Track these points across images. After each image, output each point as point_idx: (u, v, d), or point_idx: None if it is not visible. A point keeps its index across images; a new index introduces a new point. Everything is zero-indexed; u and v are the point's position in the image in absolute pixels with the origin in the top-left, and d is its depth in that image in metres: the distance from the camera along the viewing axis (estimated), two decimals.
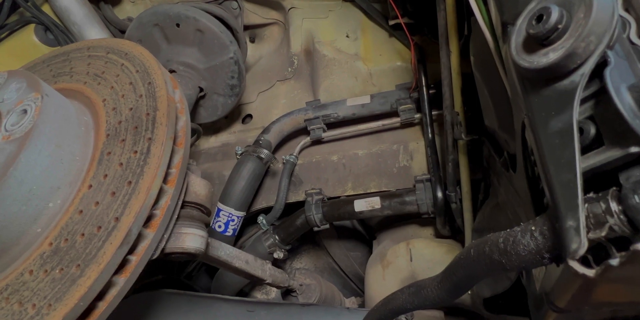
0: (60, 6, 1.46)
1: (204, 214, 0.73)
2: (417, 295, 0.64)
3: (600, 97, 0.38)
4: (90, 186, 0.67)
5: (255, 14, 1.66)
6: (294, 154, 1.40)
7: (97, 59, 0.87)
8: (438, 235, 1.29)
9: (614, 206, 0.34)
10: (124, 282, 0.60)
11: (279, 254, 1.33)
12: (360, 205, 1.26)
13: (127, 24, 1.55)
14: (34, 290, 0.59)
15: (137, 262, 0.61)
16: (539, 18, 0.42)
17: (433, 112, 1.28)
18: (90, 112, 0.77)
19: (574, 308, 0.45)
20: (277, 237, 1.34)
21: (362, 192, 1.35)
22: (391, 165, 1.34)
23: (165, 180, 0.66)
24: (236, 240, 1.43)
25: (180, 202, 0.69)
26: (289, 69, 1.65)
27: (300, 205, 1.38)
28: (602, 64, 0.38)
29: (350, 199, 1.28)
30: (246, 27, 1.70)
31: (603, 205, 0.35)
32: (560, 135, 0.39)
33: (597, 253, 0.36)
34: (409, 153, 1.33)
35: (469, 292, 1.08)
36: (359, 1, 1.45)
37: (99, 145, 0.71)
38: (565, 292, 0.42)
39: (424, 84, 1.27)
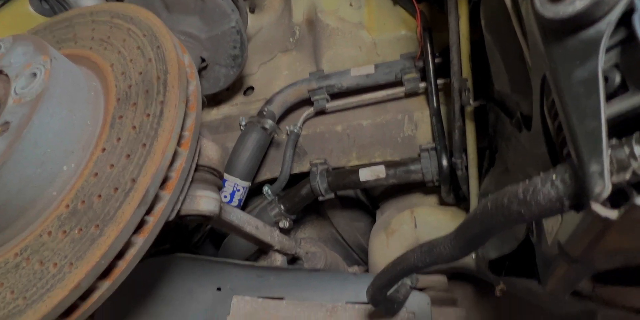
0: None
1: (216, 178, 0.74)
2: (429, 253, 0.66)
3: (626, 44, 0.38)
4: (104, 149, 0.67)
5: None
6: (298, 124, 1.40)
7: (102, 24, 0.85)
8: (442, 203, 1.31)
9: (637, 150, 0.35)
10: (142, 241, 0.61)
11: (284, 223, 1.35)
12: (365, 175, 1.27)
13: None
14: (54, 250, 0.60)
15: (155, 222, 0.62)
16: None
17: (438, 81, 1.27)
18: (98, 78, 0.76)
19: (589, 257, 0.47)
20: (282, 206, 1.35)
21: (366, 162, 1.36)
22: (396, 135, 1.35)
23: (179, 143, 0.66)
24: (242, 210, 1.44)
25: (194, 165, 0.69)
26: (291, 40, 1.62)
27: (304, 176, 1.39)
28: (629, 10, 0.38)
29: (355, 169, 1.29)
30: None
31: (627, 150, 0.35)
32: (585, 84, 0.39)
33: (615, 199, 0.37)
34: (413, 122, 1.33)
35: (473, 255, 1.11)
36: None
37: (110, 109, 0.71)
38: (582, 239, 0.43)
39: (429, 52, 1.26)
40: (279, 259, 1.36)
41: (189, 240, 1.42)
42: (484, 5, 0.85)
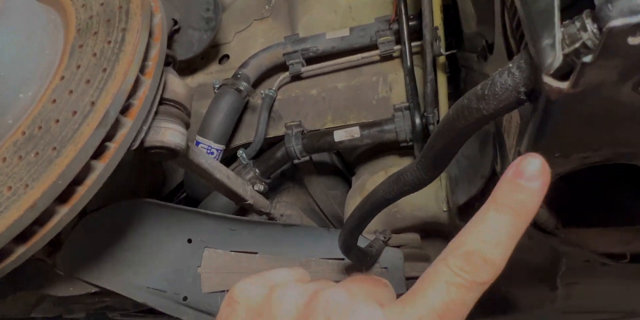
0: None
1: (182, 113, 0.72)
2: (397, 182, 0.66)
3: None
4: (63, 77, 0.64)
5: None
6: (273, 88, 1.39)
7: None
8: None
9: (588, 22, 0.35)
10: (103, 167, 0.60)
11: (259, 187, 1.34)
12: (339, 135, 1.27)
13: None
14: (9, 174, 0.58)
15: (116, 149, 0.61)
16: None
17: (413, 44, 1.28)
18: (56, 10, 0.73)
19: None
20: (257, 170, 1.34)
21: (342, 124, 1.35)
22: (370, 97, 1.35)
23: (142, 72, 0.65)
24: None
25: (158, 97, 0.67)
26: (266, 7, 1.61)
27: (279, 140, 1.38)
28: None
29: (330, 130, 1.28)
30: None
31: (578, 24, 0.36)
32: None
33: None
34: (388, 84, 1.34)
35: (445, 208, 1.12)
36: None
37: (70, 39, 0.68)
38: (538, 134, 0.44)
39: (403, 13, 1.26)
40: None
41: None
42: None
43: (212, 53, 1.64)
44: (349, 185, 1.66)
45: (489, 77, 0.44)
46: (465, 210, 0.93)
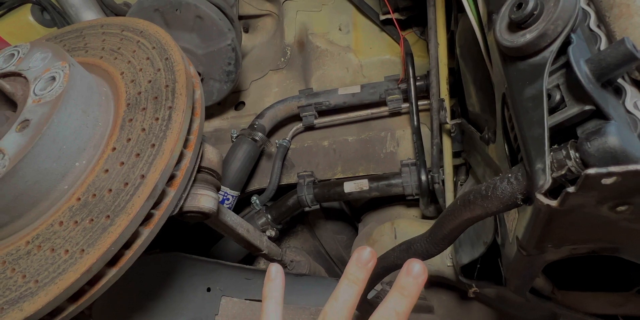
0: None
1: (215, 179, 0.80)
2: (407, 250, 0.73)
3: (564, 69, 0.48)
4: (114, 148, 0.73)
5: (250, 5, 1.73)
6: (287, 138, 1.48)
7: (112, 35, 0.92)
8: (422, 216, 1.39)
9: (572, 152, 0.44)
10: (148, 233, 0.67)
11: (270, 232, 1.40)
12: (349, 187, 1.35)
13: (124, 9, 1.59)
14: (66, 238, 0.65)
15: (160, 215, 0.68)
16: (519, 6, 0.51)
17: (419, 103, 1.38)
18: (109, 84, 0.83)
19: (539, 248, 0.55)
20: (269, 216, 1.41)
21: (351, 175, 1.44)
22: (379, 151, 1.44)
23: (184, 145, 0.73)
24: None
25: (197, 166, 0.76)
26: (282, 59, 1.73)
27: (292, 188, 1.46)
28: (567, 43, 0.48)
29: (340, 181, 1.37)
30: (240, 17, 1.77)
31: (564, 152, 0.44)
32: (533, 99, 0.48)
33: (556, 193, 0.46)
34: (395, 140, 1.43)
35: (449, 263, 1.18)
36: None
37: (120, 113, 0.77)
38: (534, 230, 0.52)
39: (411, 75, 1.37)
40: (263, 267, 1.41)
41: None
42: (458, 35, 0.96)
43: (229, 100, 1.75)
44: (355, 230, 1.72)
45: (492, 180, 0.52)
46: (467, 269, 1.00)
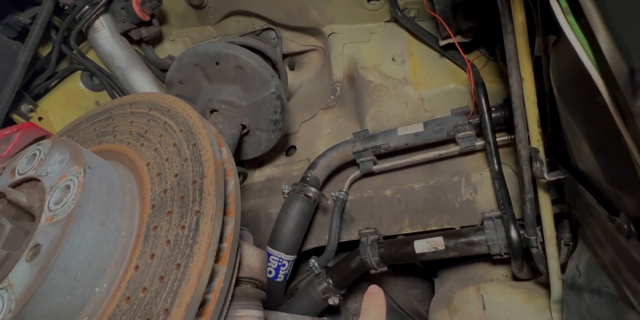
0: (104, 51, 1.47)
1: (259, 289, 0.66)
2: None
3: None
4: (137, 267, 0.61)
5: (293, 42, 1.60)
6: (344, 189, 1.31)
7: (140, 116, 0.82)
8: (512, 277, 1.15)
9: None
10: None
11: (334, 300, 1.24)
12: (421, 246, 1.15)
13: (168, 63, 1.54)
14: None
15: None
16: None
17: (497, 138, 1.15)
18: (135, 178, 0.72)
19: None
20: (330, 281, 1.25)
21: (421, 230, 1.24)
22: (452, 200, 1.22)
23: (217, 258, 0.59)
24: (287, 284, 1.35)
25: (234, 281, 0.62)
26: (332, 97, 1.58)
27: (353, 244, 1.29)
28: None
29: (410, 239, 1.17)
30: (285, 55, 1.65)
31: None
32: None
33: None
34: (472, 185, 1.21)
35: None
36: (403, 21, 1.36)
37: (145, 217, 0.66)
38: None
39: (485, 110, 1.15)
40: None
41: None
42: (555, 71, 0.74)
43: (278, 145, 1.62)
44: (429, 282, 1.51)
45: None
46: None
